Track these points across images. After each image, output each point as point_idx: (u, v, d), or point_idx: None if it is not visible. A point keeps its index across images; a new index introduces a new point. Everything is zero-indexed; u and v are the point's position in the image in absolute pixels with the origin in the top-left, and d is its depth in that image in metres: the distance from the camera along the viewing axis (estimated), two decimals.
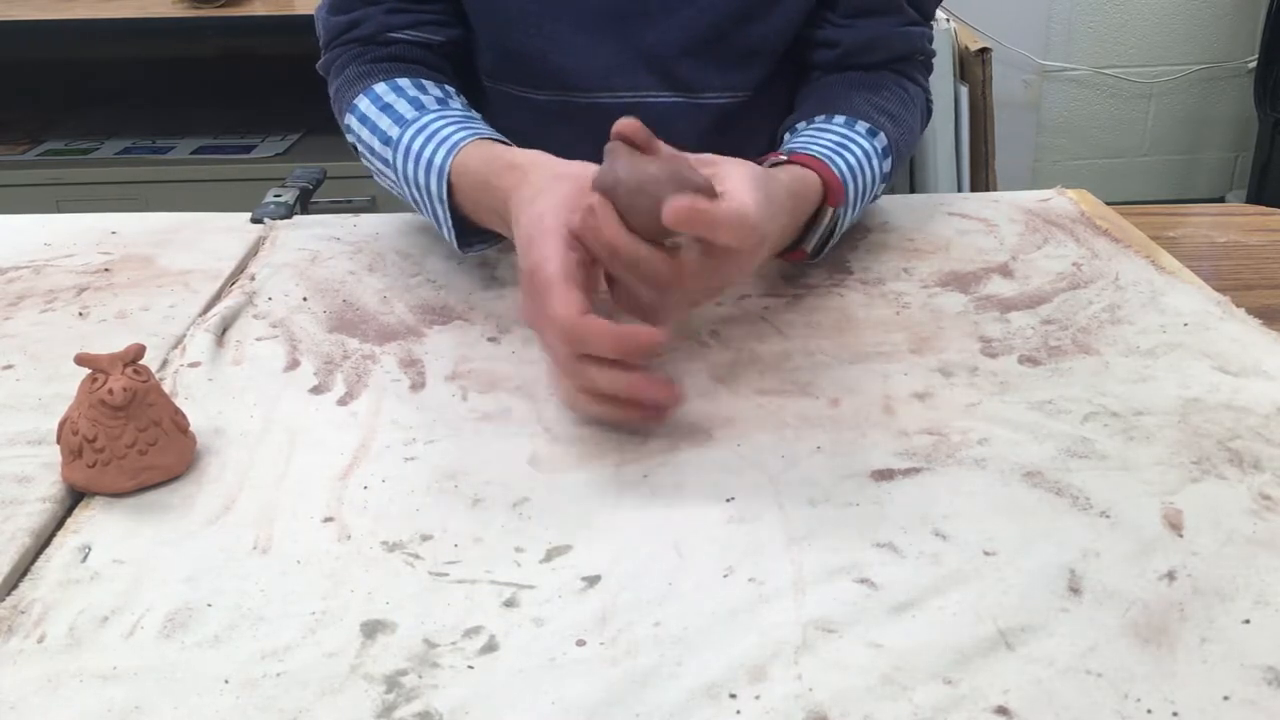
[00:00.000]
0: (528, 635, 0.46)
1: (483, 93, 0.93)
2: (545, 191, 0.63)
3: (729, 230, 0.57)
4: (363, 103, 0.82)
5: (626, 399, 0.58)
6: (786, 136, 0.83)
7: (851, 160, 0.77)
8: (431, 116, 0.77)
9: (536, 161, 0.67)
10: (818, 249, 0.77)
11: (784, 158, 0.74)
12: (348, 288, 0.79)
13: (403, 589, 0.49)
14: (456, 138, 0.74)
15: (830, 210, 0.74)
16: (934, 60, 0.94)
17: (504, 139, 0.75)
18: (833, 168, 0.74)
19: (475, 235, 0.77)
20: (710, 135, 0.90)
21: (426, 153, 0.75)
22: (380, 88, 0.82)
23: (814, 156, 0.74)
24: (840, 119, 0.81)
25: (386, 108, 0.80)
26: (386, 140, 0.79)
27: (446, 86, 0.84)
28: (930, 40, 0.91)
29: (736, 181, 0.60)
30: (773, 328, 0.73)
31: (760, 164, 0.68)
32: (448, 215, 0.74)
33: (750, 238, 0.58)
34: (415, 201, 0.78)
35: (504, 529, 0.53)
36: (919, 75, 0.90)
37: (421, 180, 0.75)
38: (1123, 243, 0.85)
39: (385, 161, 0.79)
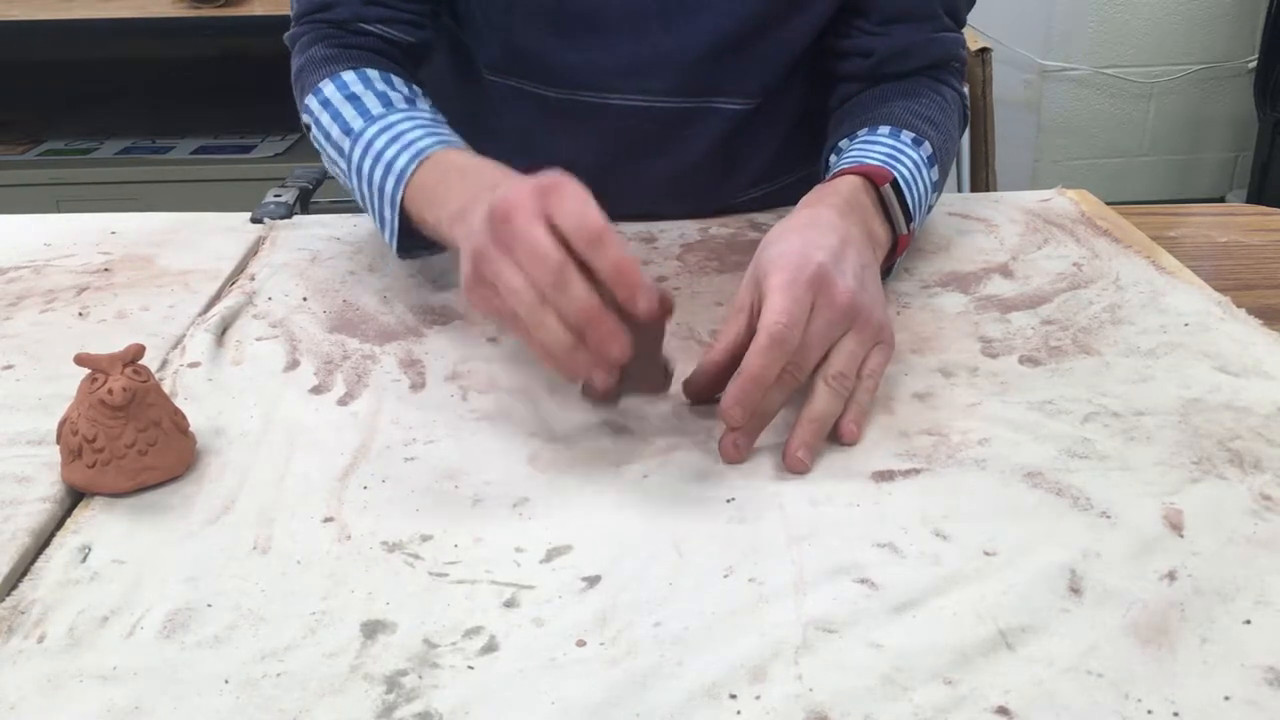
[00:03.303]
0: (528, 635, 0.46)
1: (481, 88, 0.92)
2: (499, 186, 0.61)
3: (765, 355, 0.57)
4: (328, 88, 0.80)
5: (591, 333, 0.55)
6: (832, 159, 0.82)
7: (905, 171, 0.75)
8: (398, 116, 0.76)
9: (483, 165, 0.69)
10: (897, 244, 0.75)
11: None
12: (348, 288, 0.79)
13: (403, 589, 0.49)
14: (423, 144, 0.73)
15: (887, 190, 0.72)
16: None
17: (465, 146, 0.75)
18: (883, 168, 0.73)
19: (416, 241, 0.75)
20: (719, 140, 0.89)
21: (389, 154, 0.74)
22: (349, 76, 0.80)
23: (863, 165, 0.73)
24: (885, 129, 0.80)
25: (353, 98, 0.78)
26: (348, 131, 0.77)
27: (414, 86, 0.83)
28: (963, 45, 0.89)
29: (772, 297, 0.59)
30: None
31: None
32: (395, 218, 0.73)
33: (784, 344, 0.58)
34: (362, 197, 0.77)
35: (504, 529, 0.53)
36: (954, 80, 0.88)
37: (377, 179, 0.74)
38: (1123, 243, 0.85)
39: (340, 151, 0.78)
